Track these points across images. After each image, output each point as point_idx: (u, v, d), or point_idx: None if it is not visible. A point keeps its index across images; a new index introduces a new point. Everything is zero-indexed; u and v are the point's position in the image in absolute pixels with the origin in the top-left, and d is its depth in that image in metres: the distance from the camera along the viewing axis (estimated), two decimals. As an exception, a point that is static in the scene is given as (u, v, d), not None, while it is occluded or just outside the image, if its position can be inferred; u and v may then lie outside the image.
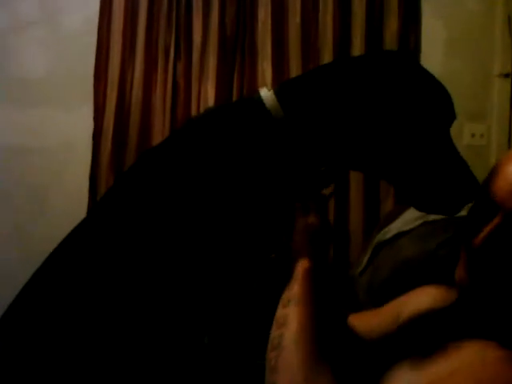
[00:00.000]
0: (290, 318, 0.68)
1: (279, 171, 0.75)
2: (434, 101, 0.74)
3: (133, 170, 0.82)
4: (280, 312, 0.70)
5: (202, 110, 2.30)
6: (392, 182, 0.78)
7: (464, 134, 2.16)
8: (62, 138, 2.39)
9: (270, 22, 2.26)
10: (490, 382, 0.62)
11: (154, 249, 0.74)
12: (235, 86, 2.29)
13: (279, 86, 0.79)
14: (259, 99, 0.77)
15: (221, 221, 0.74)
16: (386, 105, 0.72)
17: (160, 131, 2.33)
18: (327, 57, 2.22)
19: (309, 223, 0.76)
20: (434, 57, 2.16)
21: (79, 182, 2.34)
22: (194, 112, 2.32)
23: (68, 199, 2.34)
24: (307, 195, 0.77)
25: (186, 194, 0.74)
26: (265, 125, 0.75)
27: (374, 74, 0.73)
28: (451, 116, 0.76)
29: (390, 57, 0.76)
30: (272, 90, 0.77)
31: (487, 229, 0.70)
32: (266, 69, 2.25)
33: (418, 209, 0.78)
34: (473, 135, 2.15)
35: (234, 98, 2.28)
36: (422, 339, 0.75)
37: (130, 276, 0.73)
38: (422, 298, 0.87)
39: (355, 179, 2.16)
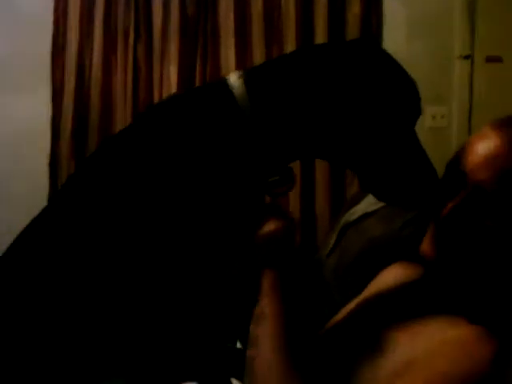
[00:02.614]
0: (260, 339, 0.68)
1: (239, 164, 0.74)
2: (401, 95, 0.74)
3: (94, 158, 0.79)
4: (252, 330, 0.70)
5: (164, 93, 2.26)
6: (356, 172, 0.78)
7: (425, 116, 2.19)
8: (19, 122, 2.31)
9: (232, 2, 2.22)
10: (466, 360, 0.64)
11: (114, 239, 0.72)
12: (198, 68, 2.25)
13: (248, 75, 0.77)
14: (228, 87, 0.75)
15: (178, 212, 0.72)
16: (354, 97, 0.71)
17: (122, 115, 2.28)
18: (290, 39, 2.21)
19: (271, 229, 0.75)
20: (395, 39, 2.18)
21: (39, 168, 2.29)
22: (156, 95, 2.28)
23: (28, 185, 2.27)
24: (263, 194, 0.77)
25: (146, 184, 0.73)
26: (231, 115, 0.74)
27: (341, 66, 0.72)
28: (417, 111, 0.76)
29: (360, 47, 0.75)
30: (242, 79, 0.75)
31: (456, 199, 0.72)
32: (228, 50, 2.22)
33: (379, 199, 0.79)
34: (434, 117, 2.19)
35: (197, 81, 2.24)
36: (387, 315, 0.77)
37: (90, 267, 0.72)
38: (388, 276, 0.88)
39: (321, 162, 2.18)
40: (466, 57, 2.16)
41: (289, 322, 0.71)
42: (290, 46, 2.20)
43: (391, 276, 0.88)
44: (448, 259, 0.74)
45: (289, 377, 0.65)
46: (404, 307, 0.77)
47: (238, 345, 0.89)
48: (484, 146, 0.72)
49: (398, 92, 0.73)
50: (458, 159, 0.75)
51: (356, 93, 0.71)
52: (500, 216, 0.70)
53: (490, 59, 2.14)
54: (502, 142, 0.71)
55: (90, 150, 2.29)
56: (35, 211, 0.80)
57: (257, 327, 0.70)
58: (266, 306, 0.71)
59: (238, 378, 0.81)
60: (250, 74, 0.76)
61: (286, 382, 0.65)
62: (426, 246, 0.76)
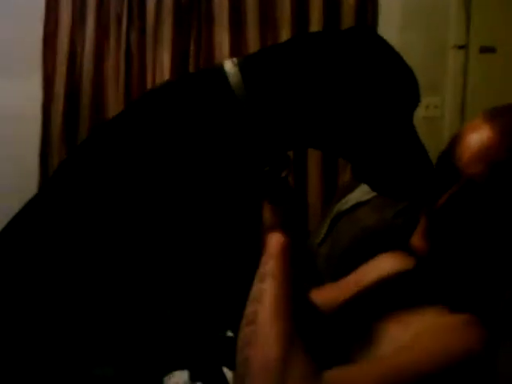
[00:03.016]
0: (266, 293, 0.67)
1: (236, 153, 0.73)
2: (400, 84, 0.73)
3: (86, 145, 0.78)
4: (256, 287, 0.69)
5: (157, 79, 2.24)
6: (350, 161, 0.78)
7: (419, 106, 2.18)
8: (9, 108, 2.29)
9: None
10: (456, 343, 0.64)
11: (106, 228, 0.71)
12: (191, 54, 2.23)
13: (243, 62, 0.75)
14: (223, 75, 0.74)
15: (174, 201, 0.72)
16: (351, 86, 0.70)
17: (114, 102, 2.26)
18: (285, 28, 2.19)
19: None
20: (390, 28, 2.16)
21: (30, 155, 2.27)
22: (149, 82, 2.26)
23: (18, 172, 2.25)
24: (264, 182, 0.76)
25: (139, 171, 0.72)
26: (226, 103, 0.73)
27: (338, 54, 0.71)
28: (415, 100, 0.76)
29: (357, 35, 0.74)
30: (237, 67, 0.74)
31: (447, 194, 0.72)
32: (223, 36, 2.20)
33: (373, 189, 0.78)
34: (427, 107, 2.18)
35: (191, 68, 2.22)
36: (382, 305, 0.77)
37: (79, 255, 0.71)
38: (382, 265, 0.89)
39: (313, 150, 2.17)
40: (461, 47, 2.15)
41: (294, 284, 0.70)
42: (284, 32, 2.18)
43: (384, 266, 0.88)
44: (440, 253, 0.74)
45: (290, 334, 0.63)
46: (396, 297, 0.78)
47: (229, 333, 0.89)
48: (476, 139, 0.72)
49: (395, 80, 0.72)
50: (450, 151, 0.75)
51: (353, 81, 0.71)
52: (493, 209, 0.70)
53: (484, 50, 2.14)
54: (493, 134, 0.71)
55: (82, 136, 2.27)
56: (25, 198, 0.79)
57: (260, 283, 0.68)
58: (273, 266, 0.69)
59: (229, 367, 0.82)
60: (245, 62, 0.75)
61: (286, 335, 0.63)
62: (417, 240, 0.76)
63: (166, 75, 2.22)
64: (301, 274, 0.78)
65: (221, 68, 0.75)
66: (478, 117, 0.75)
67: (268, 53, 0.77)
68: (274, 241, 0.72)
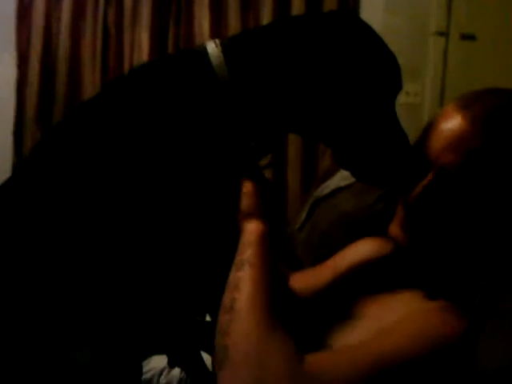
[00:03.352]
0: (243, 280, 0.66)
1: (216, 136, 0.72)
2: (382, 69, 0.72)
3: (61, 127, 0.76)
4: (233, 275, 0.68)
5: (135, 60, 2.20)
6: (332, 148, 0.77)
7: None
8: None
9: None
10: (435, 328, 0.65)
11: (80, 212, 0.70)
12: (171, 34, 2.19)
13: (226, 44, 0.74)
14: (206, 56, 0.72)
15: (152, 184, 0.70)
16: (333, 70, 0.70)
17: (90, 82, 2.22)
18: (267, 8, 2.17)
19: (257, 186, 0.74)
20: (371, 13, 2.16)
21: (2, 136, 2.21)
22: (126, 62, 2.22)
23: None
24: (244, 168, 0.75)
25: (116, 155, 0.70)
26: (208, 86, 0.71)
27: (320, 38, 0.70)
28: (397, 86, 0.75)
29: (339, 18, 0.73)
30: (220, 48, 0.73)
31: (421, 184, 0.72)
32: (203, 16, 2.17)
33: (353, 176, 0.78)
34: (407, 93, 2.19)
35: (170, 48, 2.19)
36: (361, 289, 0.78)
37: (54, 241, 0.70)
38: (361, 250, 0.89)
39: (293, 136, 2.17)
40: (441, 34, 2.16)
41: (272, 271, 0.69)
42: (265, 13, 2.16)
43: (363, 250, 0.89)
44: (417, 242, 0.74)
45: (270, 319, 0.63)
46: (375, 281, 0.78)
47: (208, 318, 0.89)
48: (447, 127, 0.71)
49: (378, 65, 0.72)
50: (423, 140, 0.75)
51: (335, 65, 0.70)
52: (467, 197, 0.70)
53: (465, 37, 2.15)
54: (465, 123, 0.70)
55: (57, 117, 2.23)
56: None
57: (238, 271, 0.67)
58: (251, 254, 0.68)
59: (207, 352, 0.81)
60: (228, 44, 0.74)
61: (265, 321, 0.62)
62: (394, 229, 0.76)
63: (145, 55, 2.18)
64: (279, 261, 0.77)
65: (203, 49, 0.74)
66: (450, 105, 0.75)
67: (251, 35, 0.75)
68: (252, 228, 0.71)
